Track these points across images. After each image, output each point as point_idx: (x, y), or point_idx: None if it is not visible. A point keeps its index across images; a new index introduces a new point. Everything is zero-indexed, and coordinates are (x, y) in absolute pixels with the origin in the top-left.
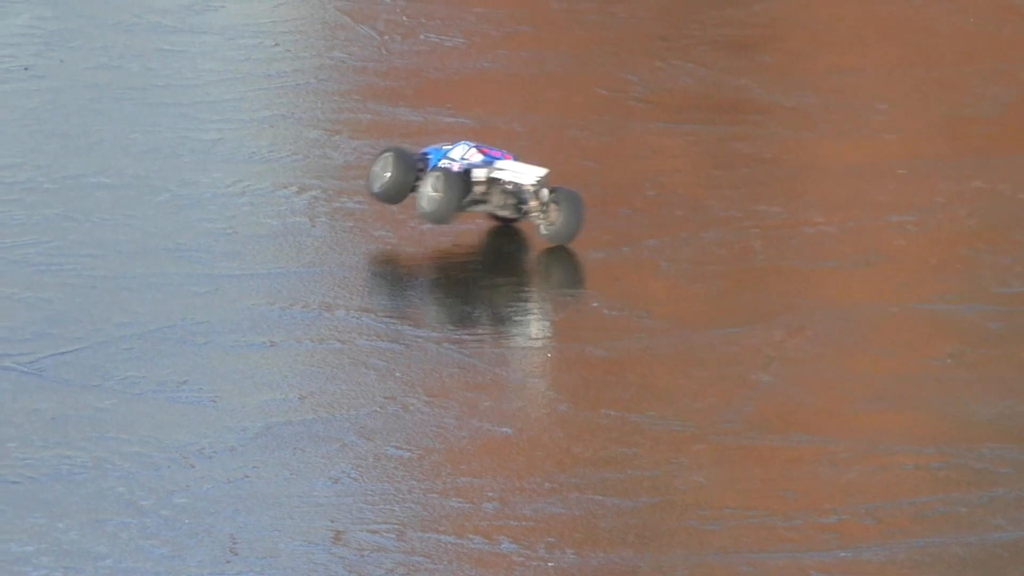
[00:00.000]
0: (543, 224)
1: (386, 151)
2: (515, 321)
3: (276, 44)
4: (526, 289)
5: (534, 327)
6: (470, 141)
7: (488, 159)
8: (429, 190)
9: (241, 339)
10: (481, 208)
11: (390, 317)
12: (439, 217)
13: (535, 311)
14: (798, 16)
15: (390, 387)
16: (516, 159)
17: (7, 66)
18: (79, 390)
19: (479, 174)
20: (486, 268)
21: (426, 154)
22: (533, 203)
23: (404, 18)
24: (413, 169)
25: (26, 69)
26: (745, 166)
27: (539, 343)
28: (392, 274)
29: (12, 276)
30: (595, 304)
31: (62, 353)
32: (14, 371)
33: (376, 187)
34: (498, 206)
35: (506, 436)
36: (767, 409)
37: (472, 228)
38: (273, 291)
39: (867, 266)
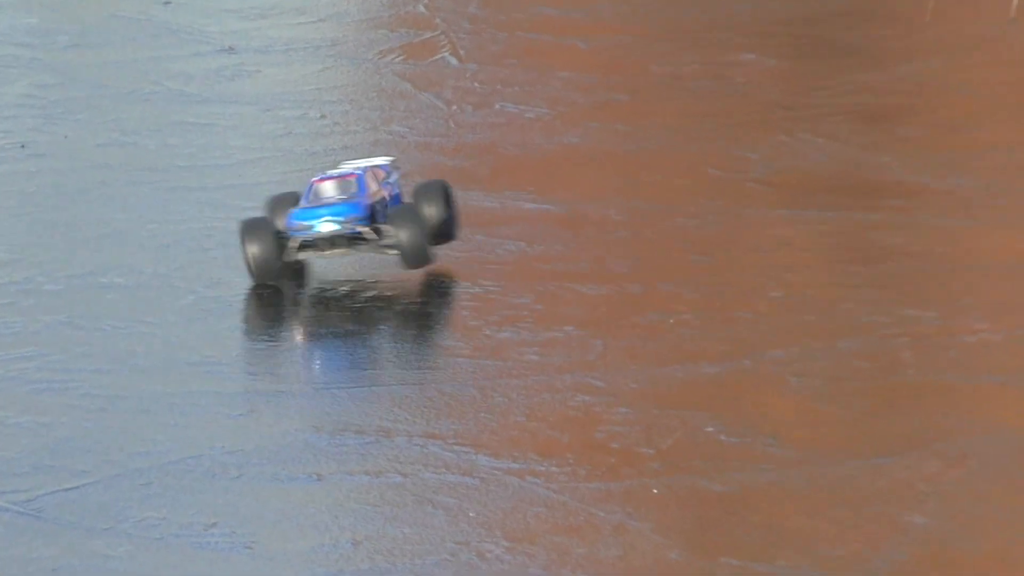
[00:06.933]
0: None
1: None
2: (612, 449)
3: (322, 116)
4: (624, 409)
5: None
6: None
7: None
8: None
9: (281, 471)
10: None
11: (461, 444)
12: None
13: (636, 436)
14: (949, 81)
15: (462, 530)
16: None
17: (1, 143)
18: (86, 535)
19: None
20: (575, 385)
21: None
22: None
23: (476, 84)
24: (273, 239)
25: (23, 147)
26: (889, 261)
27: (642, 476)
28: (464, 392)
29: (6, 396)
30: (710, 428)
31: (65, 490)
32: (8, 511)
33: (257, 277)
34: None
35: None
36: (923, 557)
37: (560, 336)
38: (320, 413)
39: None
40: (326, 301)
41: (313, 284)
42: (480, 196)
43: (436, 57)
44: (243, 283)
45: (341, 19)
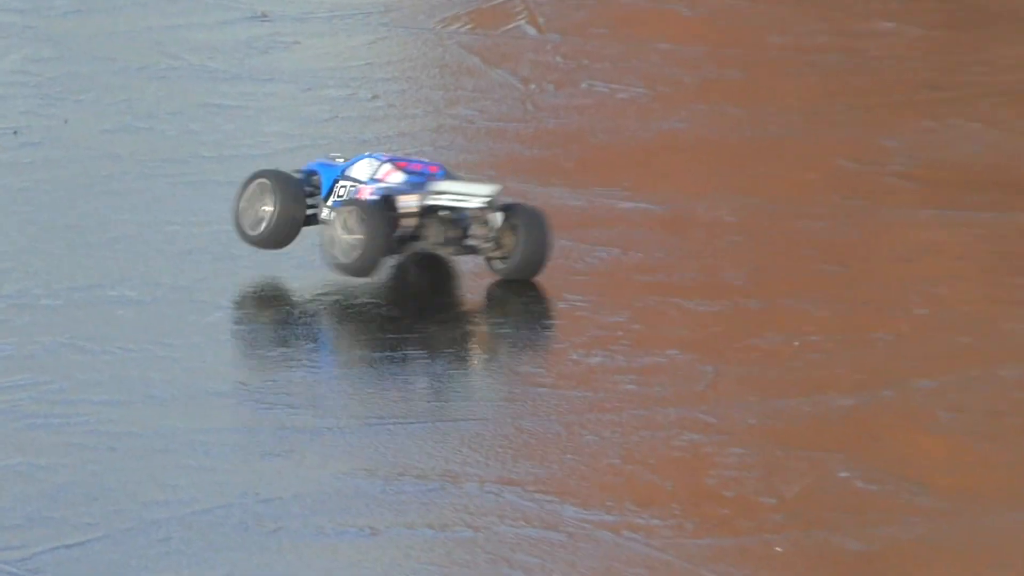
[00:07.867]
0: (497, 258)
1: (257, 177)
2: (725, 498)
3: (374, 96)
4: (739, 450)
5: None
6: (379, 154)
7: (415, 178)
8: (341, 232)
9: (328, 524)
10: (413, 246)
11: (543, 492)
12: (360, 268)
13: (754, 483)
14: None
15: None
16: (448, 173)
17: None
18: None
19: (408, 202)
20: (681, 420)
21: (312, 172)
22: (481, 232)
23: (558, 59)
24: (302, 196)
25: (15, 133)
26: None
27: (762, 531)
28: (547, 429)
29: None
30: (844, 473)
31: (67, 546)
32: (0, 572)
33: (254, 230)
34: (436, 242)
35: None
36: None
37: (662, 361)
38: (373, 453)
39: None
40: (379, 320)
41: (363, 299)
42: (564, 193)
43: (510, 26)
44: (280, 297)
45: None
